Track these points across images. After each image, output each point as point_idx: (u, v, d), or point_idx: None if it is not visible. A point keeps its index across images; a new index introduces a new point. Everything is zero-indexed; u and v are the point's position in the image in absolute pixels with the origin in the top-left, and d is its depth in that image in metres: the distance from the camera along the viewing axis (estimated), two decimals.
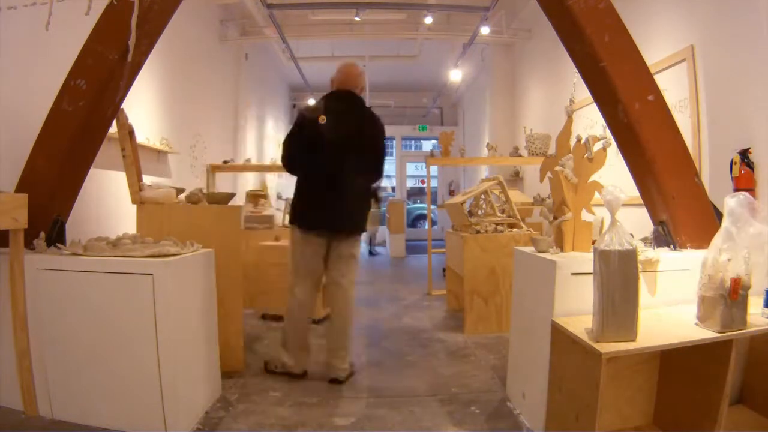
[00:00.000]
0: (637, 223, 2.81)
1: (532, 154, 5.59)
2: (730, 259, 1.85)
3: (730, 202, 1.91)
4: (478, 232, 4.04)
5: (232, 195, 3.26)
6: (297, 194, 3.02)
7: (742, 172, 2.52)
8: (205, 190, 3.21)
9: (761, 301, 2.00)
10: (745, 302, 1.84)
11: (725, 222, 1.91)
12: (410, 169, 14.93)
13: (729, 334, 1.82)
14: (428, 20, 7.05)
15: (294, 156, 2.99)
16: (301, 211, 2.98)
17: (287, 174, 3.20)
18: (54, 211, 2.49)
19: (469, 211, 4.43)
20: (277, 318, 4.32)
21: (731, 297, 1.82)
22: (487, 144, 6.33)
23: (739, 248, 1.86)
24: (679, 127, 2.51)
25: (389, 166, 16.26)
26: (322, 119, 2.98)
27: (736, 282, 1.81)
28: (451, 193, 12.12)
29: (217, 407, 2.56)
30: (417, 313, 4.79)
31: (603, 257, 1.81)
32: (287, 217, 3.20)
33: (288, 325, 3.06)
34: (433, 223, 11.50)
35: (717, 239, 1.91)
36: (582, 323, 1.97)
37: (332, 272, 3.05)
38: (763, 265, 1.94)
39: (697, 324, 1.92)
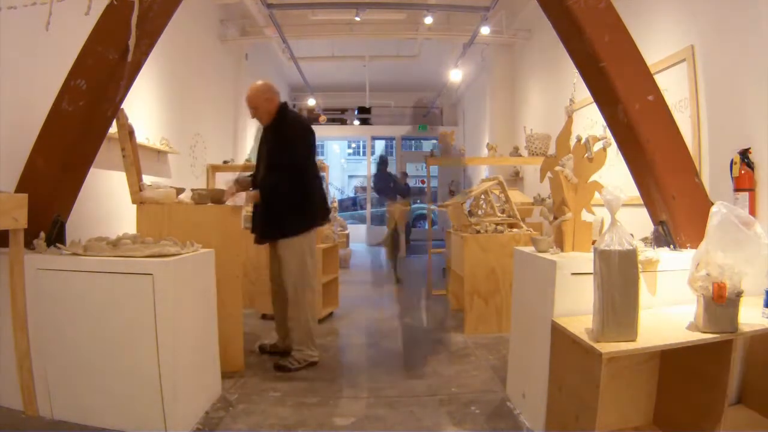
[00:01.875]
0: (637, 223, 2.81)
1: (532, 154, 5.59)
2: (709, 274, 1.87)
3: (713, 210, 1.94)
4: (478, 232, 4.04)
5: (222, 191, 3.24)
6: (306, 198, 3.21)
7: (742, 172, 2.52)
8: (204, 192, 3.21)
9: (760, 300, 2.00)
10: (735, 305, 1.84)
11: (707, 232, 1.94)
12: (410, 169, 14.91)
13: (729, 334, 1.82)
14: (428, 20, 7.05)
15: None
16: (314, 210, 3.28)
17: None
18: (54, 211, 2.49)
19: (469, 211, 4.43)
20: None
21: (717, 301, 1.83)
22: (487, 144, 6.33)
23: (721, 257, 1.88)
24: (679, 127, 2.51)
25: (389, 166, 16.28)
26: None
27: (721, 287, 1.82)
28: (451, 193, 12.11)
29: (217, 407, 2.56)
30: (417, 313, 4.79)
31: (603, 257, 1.81)
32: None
33: (311, 319, 3.25)
34: (433, 223, 11.49)
35: (699, 249, 1.94)
36: (582, 323, 1.97)
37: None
38: (753, 276, 1.95)
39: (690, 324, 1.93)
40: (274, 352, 3.37)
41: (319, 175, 3.42)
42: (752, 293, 2.05)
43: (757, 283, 2.06)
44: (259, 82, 3.21)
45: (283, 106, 3.23)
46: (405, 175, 12.09)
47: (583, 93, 3.34)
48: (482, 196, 4.47)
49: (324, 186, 3.57)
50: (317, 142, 3.51)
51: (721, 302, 1.82)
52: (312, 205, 3.25)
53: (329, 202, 3.73)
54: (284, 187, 3.10)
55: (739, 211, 1.94)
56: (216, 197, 3.14)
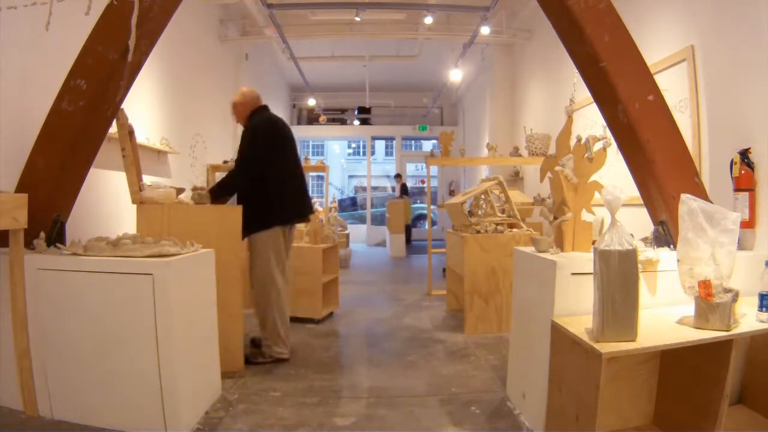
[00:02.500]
0: (637, 223, 2.81)
1: (532, 154, 5.59)
2: (691, 268, 1.89)
3: (681, 209, 1.97)
4: (478, 232, 4.04)
5: (181, 190, 3.28)
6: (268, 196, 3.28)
7: (742, 172, 2.52)
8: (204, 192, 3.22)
9: (754, 300, 2.00)
10: (725, 303, 1.85)
11: (681, 231, 1.97)
12: (410, 169, 14.93)
13: (729, 334, 1.82)
14: (428, 20, 7.05)
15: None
16: (280, 208, 3.30)
17: None
18: (54, 211, 2.49)
19: (469, 211, 4.43)
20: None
21: (705, 299, 1.85)
22: (487, 144, 6.33)
23: (700, 252, 1.90)
24: (679, 127, 2.51)
25: (390, 166, 16.32)
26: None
27: (706, 284, 1.84)
28: (451, 193, 12.12)
29: (217, 407, 2.56)
30: (417, 313, 4.80)
31: (603, 257, 1.81)
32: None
33: (278, 317, 3.29)
34: (433, 223, 11.50)
35: (678, 246, 1.97)
36: (582, 323, 1.97)
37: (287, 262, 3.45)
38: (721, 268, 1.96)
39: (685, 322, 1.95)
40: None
41: (293, 173, 3.44)
42: (748, 293, 2.05)
43: (750, 282, 2.06)
44: (243, 88, 3.46)
45: (256, 110, 3.39)
46: (398, 177, 12.19)
47: (583, 93, 3.34)
48: (482, 196, 4.47)
49: (304, 184, 3.57)
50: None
51: (709, 300, 1.85)
52: (276, 203, 3.28)
53: (309, 201, 3.62)
54: (237, 187, 3.27)
55: (704, 204, 1.98)
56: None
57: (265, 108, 3.46)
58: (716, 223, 1.95)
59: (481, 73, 9.44)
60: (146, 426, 2.19)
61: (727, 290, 1.87)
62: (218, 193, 3.23)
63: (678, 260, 2.00)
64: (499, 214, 4.33)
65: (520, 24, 7.26)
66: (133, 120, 3.10)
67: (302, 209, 3.50)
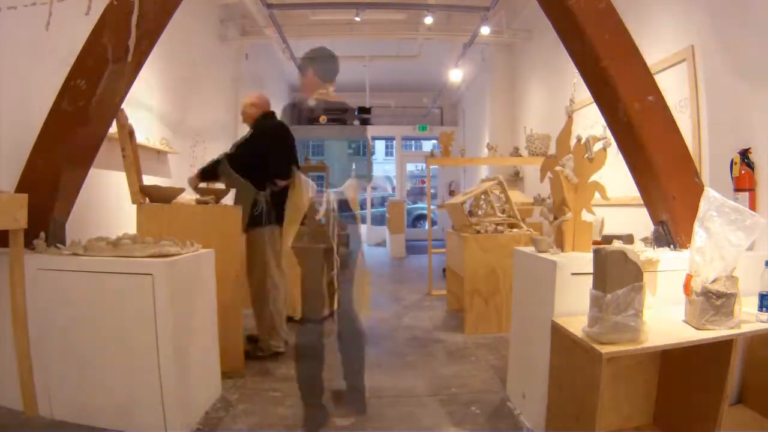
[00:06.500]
0: (637, 223, 2.81)
1: (532, 154, 5.59)
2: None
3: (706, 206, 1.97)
4: (478, 232, 4.04)
5: (180, 190, 3.21)
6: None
7: (742, 172, 2.51)
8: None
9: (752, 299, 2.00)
10: (728, 301, 1.86)
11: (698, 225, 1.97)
12: (410, 169, 14.92)
13: (729, 334, 1.82)
14: (428, 20, 7.05)
15: None
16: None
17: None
18: (54, 211, 2.49)
19: (470, 211, 4.42)
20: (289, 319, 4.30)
21: (684, 293, 1.88)
22: (487, 144, 6.33)
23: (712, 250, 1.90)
24: (679, 127, 2.51)
25: (390, 166, 16.30)
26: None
27: (689, 278, 1.86)
28: (451, 193, 12.11)
29: (217, 407, 2.56)
30: (417, 313, 4.79)
31: (602, 257, 1.81)
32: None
33: (275, 313, 3.40)
34: (433, 223, 11.50)
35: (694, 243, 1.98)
36: (582, 323, 1.96)
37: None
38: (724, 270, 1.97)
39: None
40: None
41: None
42: (748, 293, 2.05)
43: (750, 282, 2.06)
44: (257, 94, 3.64)
45: (265, 115, 3.52)
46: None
47: (583, 93, 3.35)
48: (482, 196, 4.47)
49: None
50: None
51: (687, 294, 1.88)
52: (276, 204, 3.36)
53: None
54: (220, 173, 3.35)
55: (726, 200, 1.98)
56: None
57: (273, 114, 3.61)
58: (735, 221, 1.94)
59: (481, 73, 9.44)
60: (146, 426, 2.19)
61: (721, 294, 1.87)
62: (203, 176, 3.39)
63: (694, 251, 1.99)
64: (499, 214, 4.32)
65: (520, 24, 7.26)
66: (133, 120, 3.09)
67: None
